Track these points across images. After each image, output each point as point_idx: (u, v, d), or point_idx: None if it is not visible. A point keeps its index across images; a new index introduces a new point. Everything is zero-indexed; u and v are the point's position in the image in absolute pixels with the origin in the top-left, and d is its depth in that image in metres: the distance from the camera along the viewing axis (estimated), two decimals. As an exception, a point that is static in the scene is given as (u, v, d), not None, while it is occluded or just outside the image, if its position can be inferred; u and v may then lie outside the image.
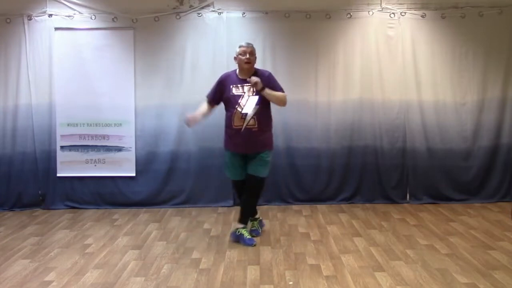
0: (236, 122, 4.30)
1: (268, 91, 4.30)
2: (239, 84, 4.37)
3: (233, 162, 4.47)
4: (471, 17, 5.63)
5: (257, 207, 4.68)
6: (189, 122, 4.46)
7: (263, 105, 4.32)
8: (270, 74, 4.49)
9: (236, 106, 4.29)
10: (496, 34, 5.65)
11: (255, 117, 4.27)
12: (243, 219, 4.49)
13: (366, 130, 5.69)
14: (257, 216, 4.68)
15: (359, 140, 5.71)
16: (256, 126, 4.30)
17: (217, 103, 4.51)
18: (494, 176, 5.73)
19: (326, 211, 5.41)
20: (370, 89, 5.67)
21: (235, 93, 4.34)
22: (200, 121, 4.50)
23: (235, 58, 4.44)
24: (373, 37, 5.66)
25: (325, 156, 5.71)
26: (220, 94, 4.44)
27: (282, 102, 4.45)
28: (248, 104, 4.25)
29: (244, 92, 4.33)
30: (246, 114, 4.24)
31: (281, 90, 4.42)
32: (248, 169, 4.40)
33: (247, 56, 4.32)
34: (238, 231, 4.42)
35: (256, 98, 4.26)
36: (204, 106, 4.50)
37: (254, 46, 4.42)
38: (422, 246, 4.21)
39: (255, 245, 4.29)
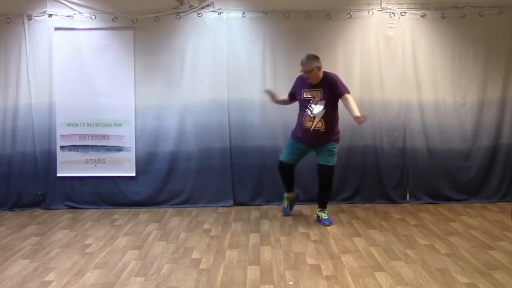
0: (306, 123, 4.82)
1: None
2: (309, 88, 4.82)
3: (295, 147, 4.97)
4: (471, 17, 5.62)
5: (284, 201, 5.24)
6: (269, 96, 5.06)
7: (330, 108, 4.79)
8: (336, 78, 4.83)
9: (306, 109, 4.80)
10: (496, 34, 5.64)
11: (322, 120, 4.76)
12: (322, 204, 5.03)
13: (366, 130, 5.67)
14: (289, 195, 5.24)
15: (359, 140, 5.70)
16: (324, 127, 4.79)
17: (294, 100, 5.04)
18: (494, 176, 5.73)
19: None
20: (370, 89, 5.66)
21: (306, 97, 4.83)
22: (276, 102, 5.10)
23: None
24: (373, 37, 5.66)
25: (325, 156, 5.70)
26: (294, 94, 5.00)
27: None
28: (316, 108, 4.77)
29: (314, 97, 4.78)
30: (314, 117, 4.77)
31: (345, 91, 4.76)
32: (319, 160, 4.92)
33: (308, 75, 4.76)
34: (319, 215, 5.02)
35: (323, 103, 4.75)
36: (286, 97, 5.12)
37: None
38: (422, 246, 4.21)
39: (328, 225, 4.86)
